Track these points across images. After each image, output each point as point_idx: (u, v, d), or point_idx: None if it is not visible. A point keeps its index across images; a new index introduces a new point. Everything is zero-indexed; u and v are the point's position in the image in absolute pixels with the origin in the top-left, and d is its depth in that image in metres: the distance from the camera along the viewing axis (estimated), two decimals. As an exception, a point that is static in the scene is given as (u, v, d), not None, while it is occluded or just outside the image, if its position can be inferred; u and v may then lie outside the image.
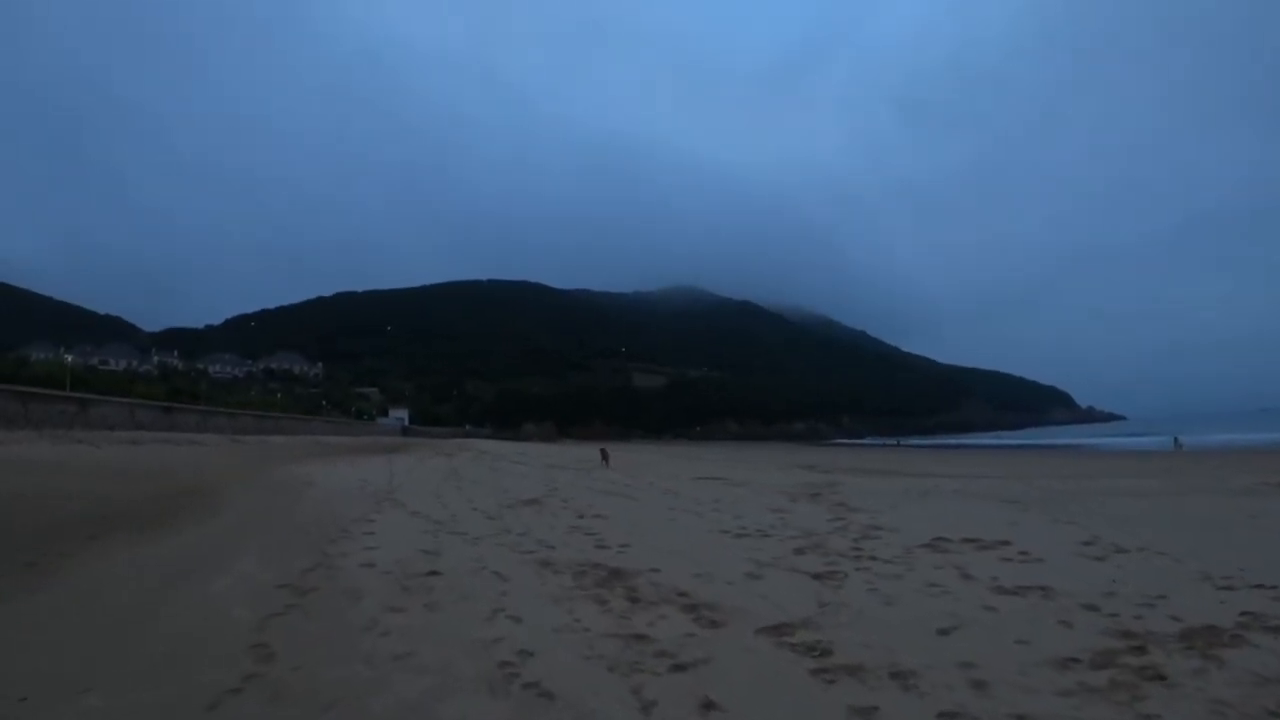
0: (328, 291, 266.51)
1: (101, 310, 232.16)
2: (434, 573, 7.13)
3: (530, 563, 7.69)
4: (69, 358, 53.71)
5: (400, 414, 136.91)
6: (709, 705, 3.89)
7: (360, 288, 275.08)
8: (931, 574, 7.08)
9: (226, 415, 49.73)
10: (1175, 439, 59.35)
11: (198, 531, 9.94)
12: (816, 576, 7.01)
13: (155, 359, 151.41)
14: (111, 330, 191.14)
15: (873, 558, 7.87)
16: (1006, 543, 8.51)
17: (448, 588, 6.55)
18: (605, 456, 28.62)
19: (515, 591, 6.42)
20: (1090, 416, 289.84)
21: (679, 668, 4.47)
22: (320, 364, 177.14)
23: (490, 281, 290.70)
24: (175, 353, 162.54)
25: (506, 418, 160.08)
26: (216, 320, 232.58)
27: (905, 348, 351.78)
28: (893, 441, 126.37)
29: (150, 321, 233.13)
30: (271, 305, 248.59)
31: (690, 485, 17.40)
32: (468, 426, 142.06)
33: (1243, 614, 5.28)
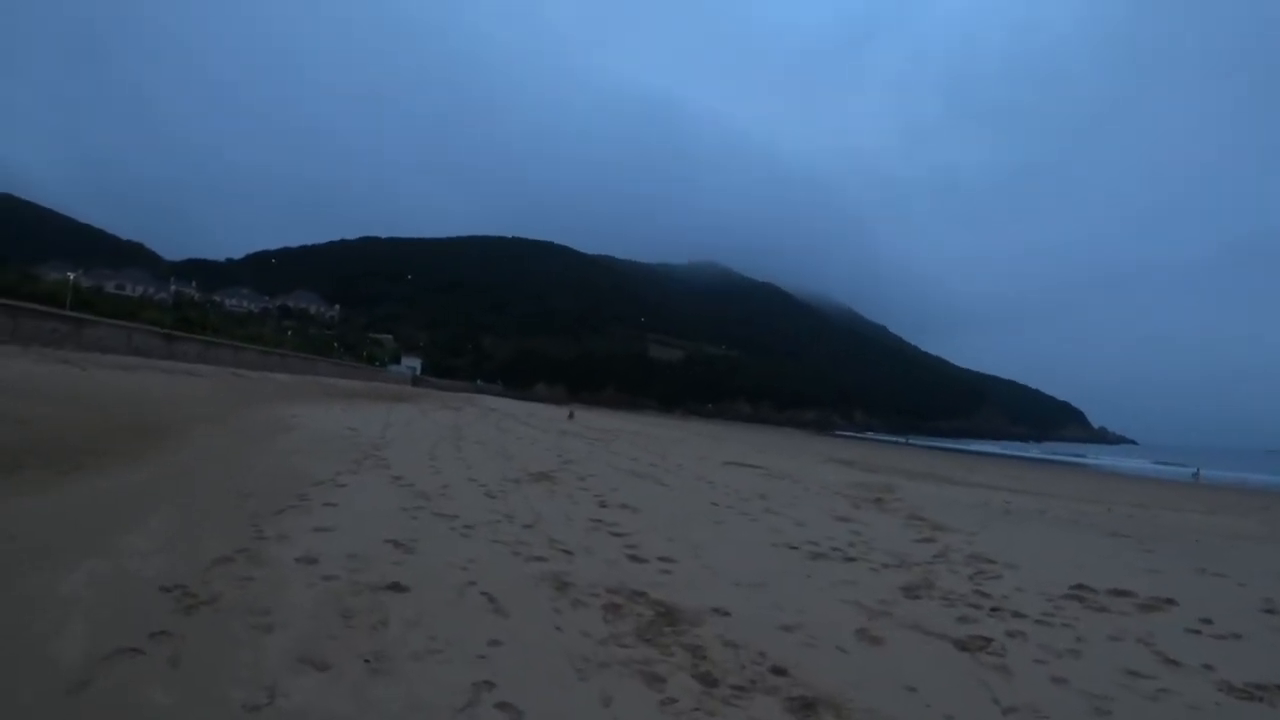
0: (352, 235, 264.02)
1: (124, 235, 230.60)
2: (397, 586, 4.87)
3: (539, 579, 5.44)
4: (72, 275, 51.64)
5: (412, 363, 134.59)
6: None
7: (384, 234, 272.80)
8: (1115, 650, 5.00)
9: (231, 348, 47.80)
10: (1196, 471, 57.92)
11: (117, 480, 7.73)
12: (962, 646, 4.78)
13: (172, 287, 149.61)
14: (132, 256, 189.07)
15: (1016, 613, 5.68)
16: (1171, 601, 6.41)
17: (410, 620, 4.27)
18: (571, 415, 33.11)
19: (514, 640, 4.14)
20: (1102, 437, 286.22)
21: None
22: (337, 306, 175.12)
23: (514, 239, 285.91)
24: (193, 283, 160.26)
25: (519, 376, 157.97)
26: (238, 254, 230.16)
27: (924, 347, 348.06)
28: (900, 440, 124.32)
29: (172, 250, 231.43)
30: (294, 244, 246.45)
31: (724, 472, 15.13)
32: (479, 382, 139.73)
33: None
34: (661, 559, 6.41)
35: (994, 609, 5.72)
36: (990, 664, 4.49)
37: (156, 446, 10.41)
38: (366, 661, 3.62)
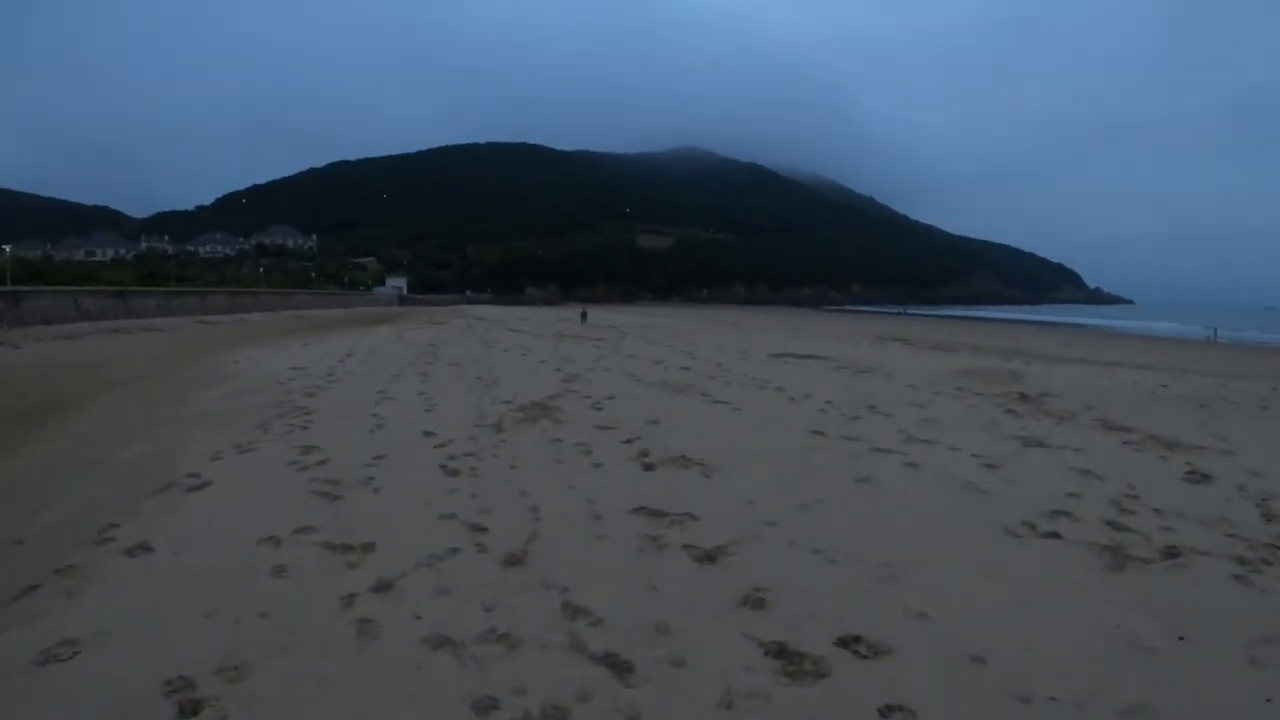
0: (320, 163, 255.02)
1: (89, 201, 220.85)
2: None
3: None
4: (8, 249, 47.91)
5: (398, 282, 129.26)
6: None
7: (354, 156, 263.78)
8: None
9: (197, 295, 44.53)
10: (1214, 330, 54.97)
11: None
12: None
13: (143, 244, 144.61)
14: (100, 220, 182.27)
15: None
16: None
17: None
18: (584, 316, 29.32)
19: None
20: (1098, 298, 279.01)
21: None
22: (315, 236, 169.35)
23: (488, 144, 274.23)
24: (165, 237, 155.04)
25: (508, 281, 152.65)
26: (207, 200, 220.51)
27: (914, 216, 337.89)
28: (897, 309, 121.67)
29: (140, 207, 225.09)
30: (263, 180, 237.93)
31: (782, 370, 11.40)
32: (468, 292, 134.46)
33: None
34: (851, 645, 2.66)
35: None
36: None
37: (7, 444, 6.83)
38: None
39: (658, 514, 4.17)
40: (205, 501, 4.81)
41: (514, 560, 3.56)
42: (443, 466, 5.41)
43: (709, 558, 3.52)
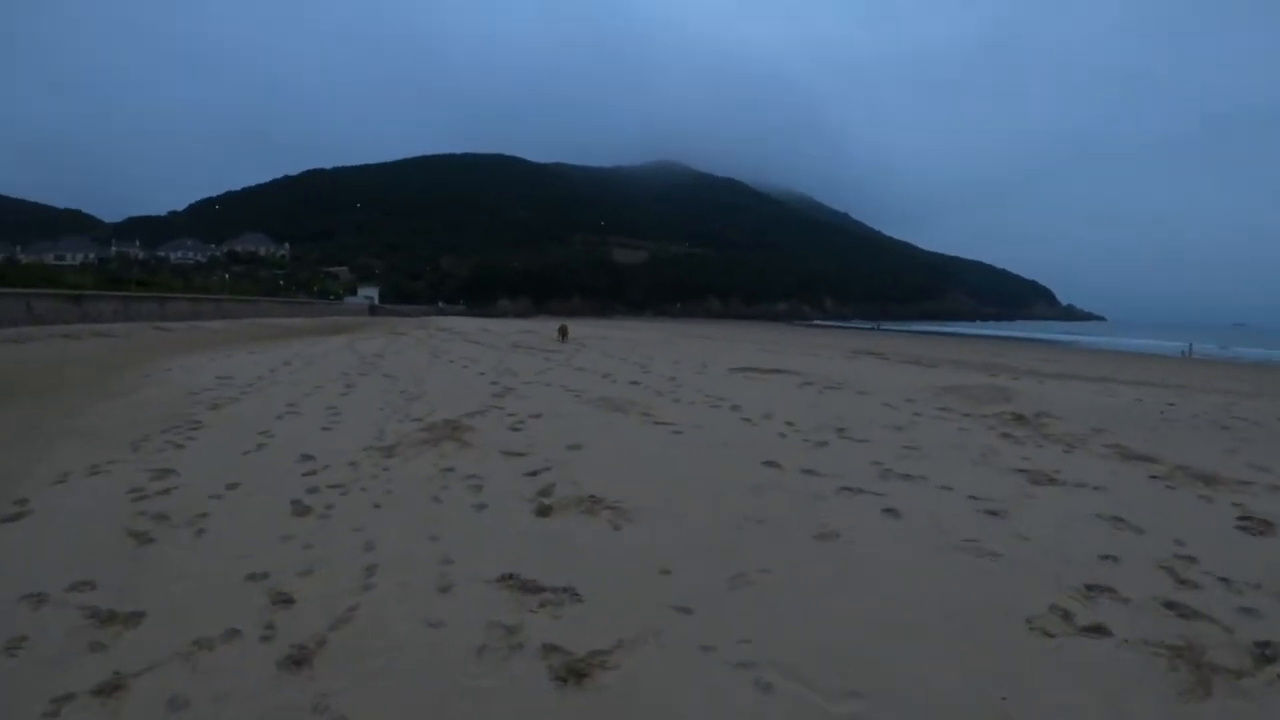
0: (295, 170, 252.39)
1: (61, 205, 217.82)
2: None
3: None
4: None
5: (369, 292, 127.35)
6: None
7: (329, 164, 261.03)
8: None
9: (155, 301, 43.09)
10: (1190, 345, 55.15)
11: None
12: None
13: (114, 249, 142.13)
14: (72, 224, 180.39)
15: None
16: None
17: None
18: (563, 332, 25.61)
19: None
20: (1070, 315, 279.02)
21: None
22: (287, 245, 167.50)
23: (464, 155, 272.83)
24: (137, 242, 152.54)
25: (481, 293, 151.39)
26: (180, 206, 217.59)
27: (889, 232, 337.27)
28: (870, 325, 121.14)
29: (112, 212, 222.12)
30: (237, 187, 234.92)
31: (741, 386, 10.20)
32: (440, 303, 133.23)
33: None
34: None
35: None
36: None
37: None
38: None
39: (528, 586, 2.99)
40: (6, 538, 3.95)
41: (299, 659, 2.40)
42: (296, 502, 4.27)
43: (576, 673, 2.33)
